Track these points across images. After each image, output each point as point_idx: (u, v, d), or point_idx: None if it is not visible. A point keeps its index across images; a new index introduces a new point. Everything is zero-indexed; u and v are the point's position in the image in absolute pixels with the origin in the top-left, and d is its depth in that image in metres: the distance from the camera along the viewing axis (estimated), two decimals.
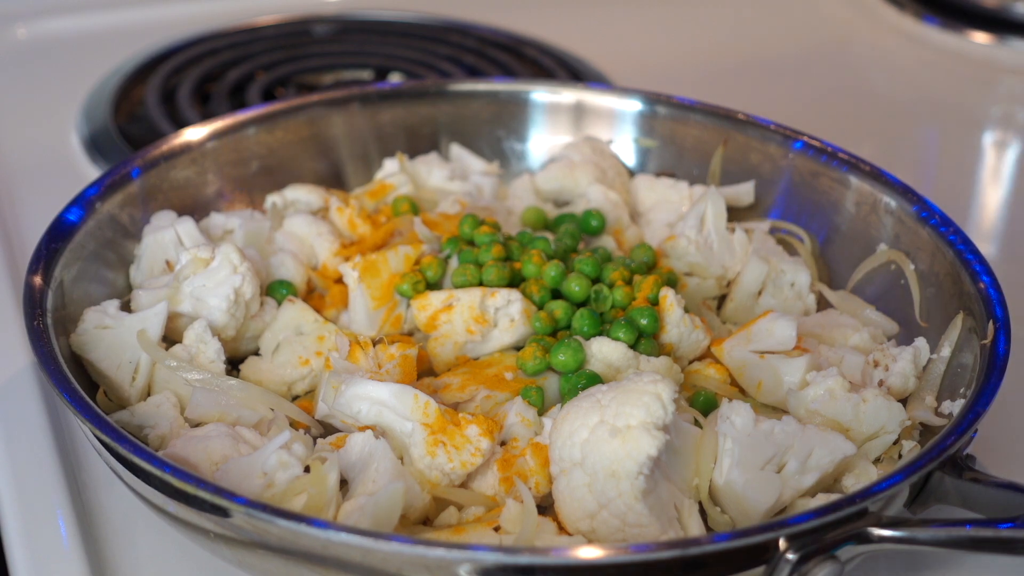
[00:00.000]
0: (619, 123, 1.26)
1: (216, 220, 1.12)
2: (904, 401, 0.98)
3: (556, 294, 1.04)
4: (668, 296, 1.01)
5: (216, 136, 1.17)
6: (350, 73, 1.60)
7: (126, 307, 1.02)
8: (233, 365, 1.02)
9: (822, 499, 0.87)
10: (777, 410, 0.97)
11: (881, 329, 1.07)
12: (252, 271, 1.02)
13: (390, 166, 1.22)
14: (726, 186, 1.20)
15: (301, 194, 1.18)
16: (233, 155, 1.18)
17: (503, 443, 0.92)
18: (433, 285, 1.06)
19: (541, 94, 1.28)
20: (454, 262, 1.07)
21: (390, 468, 0.88)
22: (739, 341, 1.01)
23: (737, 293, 1.11)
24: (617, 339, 0.98)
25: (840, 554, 0.79)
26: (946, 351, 1.00)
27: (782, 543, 0.78)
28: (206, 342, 0.98)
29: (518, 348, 1.02)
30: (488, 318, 1.01)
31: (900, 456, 0.94)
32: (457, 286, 1.04)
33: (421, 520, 0.89)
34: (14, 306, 1.14)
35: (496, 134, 1.28)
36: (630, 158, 1.26)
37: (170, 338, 1.01)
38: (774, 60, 1.73)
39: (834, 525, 0.79)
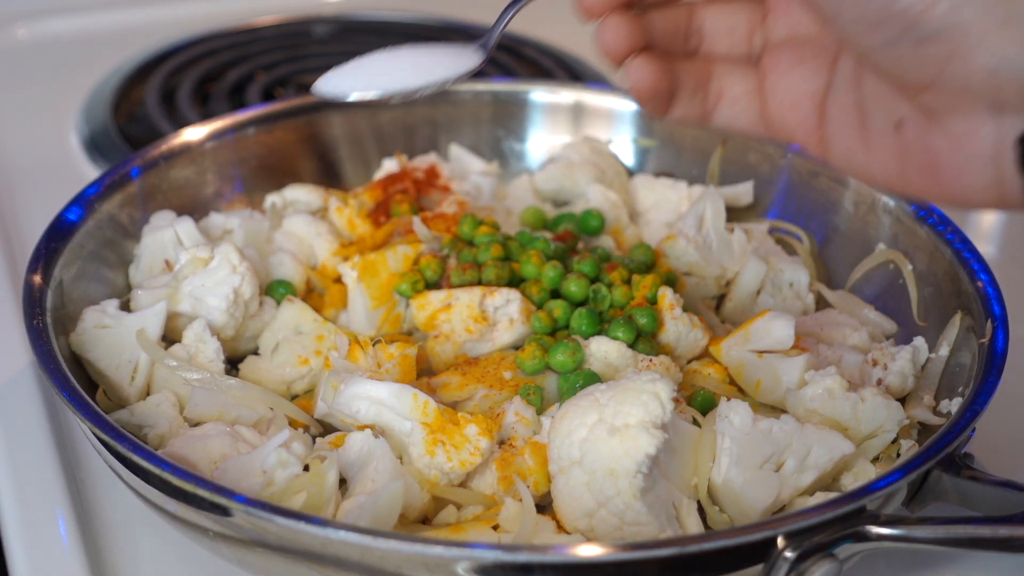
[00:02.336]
0: (618, 123, 1.27)
1: (215, 220, 1.12)
2: (903, 400, 0.98)
3: (555, 294, 1.04)
4: (667, 295, 1.01)
5: (216, 136, 1.17)
6: None
7: (125, 307, 1.02)
8: (232, 364, 1.03)
9: (820, 497, 0.87)
10: (776, 409, 0.97)
11: (880, 328, 1.07)
12: (251, 271, 1.02)
13: (389, 166, 1.22)
14: (725, 186, 1.20)
15: (300, 194, 1.18)
16: (233, 155, 1.18)
17: (502, 442, 0.92)
18: (432, 285, 1.06)
19: (540, 94, 1.28)
20: (453, 262, 1.07)
21: (389, 467, 0.88)
22: (737, 340, 1.01)
23: (736, 293, 1.11)
24: (616, 338, 0.98)
25: (838, 552, 0.79)
26: (944, 350, 1.00)
27: (780, 541, 0.78)
28: (205, 341, 0.98)
29: (517, 347, 1.02)
30: (487, 317, 1.01)
31: (898, 455, 0.94)
32: (456, 285, 1.04)
33: (420, 519, 0.89)
34: (14, 306, 1.15)
35: (495, 134, 1.28)
36: (629, 158, 1.27)
37: (169, 337, 1.01)
38: None
39: (832, 523, 0.79)
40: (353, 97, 0.82)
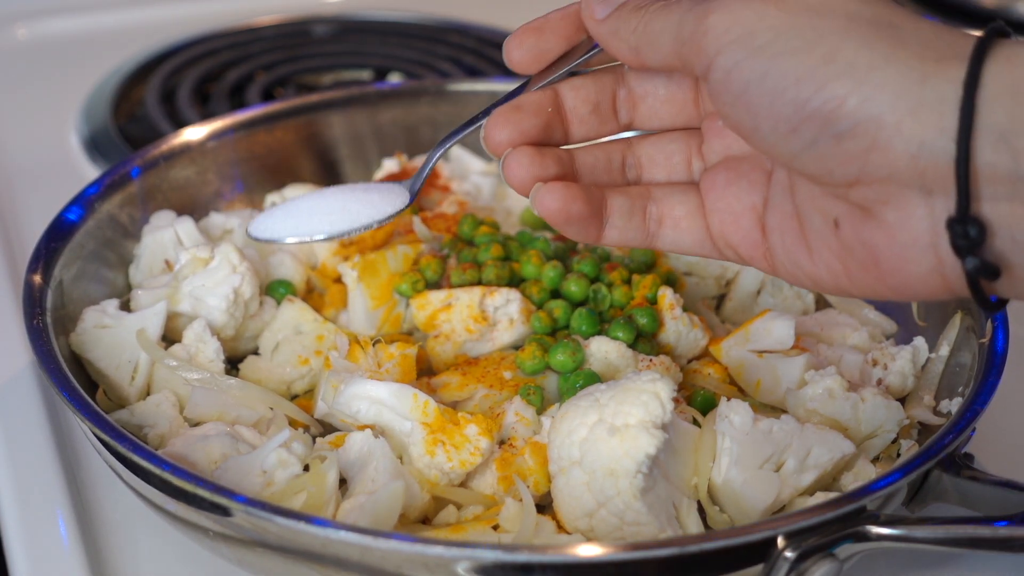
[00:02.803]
0: None
1: (215, 220, 1.12)
2: (903, 400, 0.98)
3: (555, 294, 1.04)
4: (667, 295, 1.01)
5: (216, 136, 1.17)
6: (350, 73, 1.60)
7: (125, 306, 1.02)
8: (232, 364, 1.03)
9: (820, 497, 0.87)
10: (776, 409, 0.97)
11: (880, 328, 1.07)
12: (251, 270, 1.02)
13: (389, 166, 1.22)
14: None
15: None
16: (232, 155, 1.18)
17: (502, 442, 0.92)
18: (432, 285, 1.06)
19: None
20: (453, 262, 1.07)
21: (389, 467, 0.88)
22: (737, 340, 1.01)
23: (736, 292, 1.11)
24: (616, 338, 0.98)
25: (838, 552, 0.79)
26: (944, 350, 1.00)
27: (780, 541, 0.78)
28: (205, 341, 0.98)
29: (517, 348, 1.02)
30: (487, 317, 1.01)
31: (898, 455, 0.94)
32: (456, 285, 1.04)
33: (420, 519, 0.89)
34: (14, 306, 1.15)
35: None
36: None
37: (169, 337, 1.01)
38: None
39: (832, 523, 0.79)
40: (288, 241, 0.87)
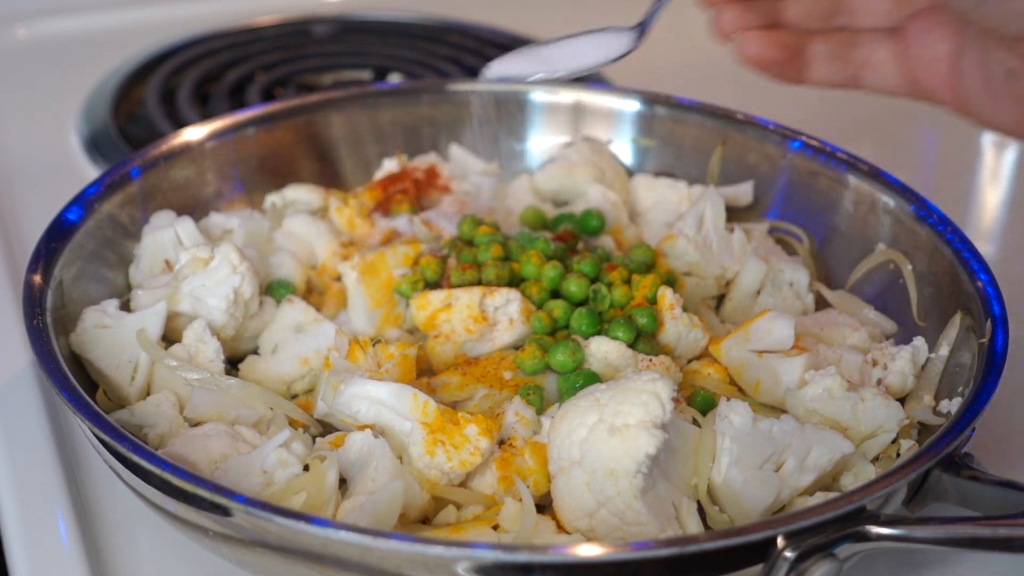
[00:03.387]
0: (618, 123, 1.27)
1: (215, 220, 1.12)
2: (902, 400, 0.98)
3: (555, 294, 1.04)
4: (666, 295, 1.01)
5: (215, 136, 1.17)
6: (350, 73, 1.60)
7: (125, 306, 1.02)
8: (232, 364, 1.03)
9: (820, 497, 0.87)
10: (776, 409, 0.98)
11: (879, 328, 1.07)
12: (251, 271, 1.02)
13: (389, 166, 1.22)
14: (725, 186, 1.20)
15: (300, 194, 1.18)
16: (232, 155, 1.18)
17: (502, 442, 0.92)
18: (432, 285, 1.06)
19: (540, 94, 1.28)
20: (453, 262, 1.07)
21: (389, 467, 0.88)
22: (737, 340, 1.01)
23: (736, 293, 1.11)
24: (616, 338, 0.98)
25: (838, 552, 0.79)
26: (944, 350, 1.00)
27: (780, 541, 0.78)
28: (205, 341, 0.98)
29: (517, 348, 1.02)
30: (487, 317, 1.01)
31: (898, 455, 0.94)
32: (456, 285, 1.04)
33: (420, 519, 0.89)
34: (14, 306, 1.15)
35: (495, 134, 1.28)
36: (629, 158, 1.27)
37: (169, 337, 1.01)
38: None
39: (832, 523, 0.79)
40: (536, 77, 0.95)
